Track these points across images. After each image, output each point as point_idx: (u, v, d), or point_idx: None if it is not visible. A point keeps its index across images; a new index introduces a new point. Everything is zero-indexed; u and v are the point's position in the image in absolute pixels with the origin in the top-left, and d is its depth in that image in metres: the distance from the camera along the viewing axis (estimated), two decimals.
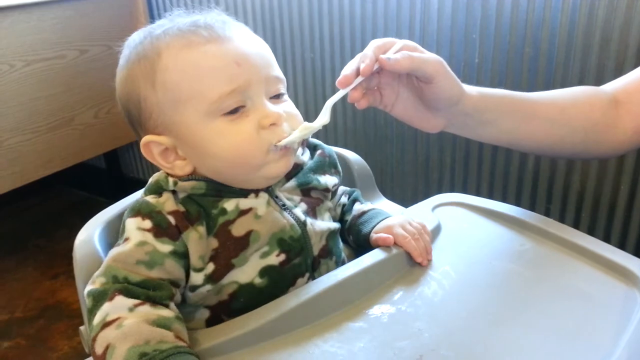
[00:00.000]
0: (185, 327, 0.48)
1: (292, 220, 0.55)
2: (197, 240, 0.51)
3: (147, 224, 0.51)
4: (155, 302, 0.48)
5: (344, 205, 0.66)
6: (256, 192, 0.55)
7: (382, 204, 0.69)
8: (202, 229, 0.51)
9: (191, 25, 0.51)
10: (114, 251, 0.51)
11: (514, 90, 1.15)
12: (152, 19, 1.69)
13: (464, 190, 1.34)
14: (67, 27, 1.47)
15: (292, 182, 0.58)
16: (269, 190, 0.56)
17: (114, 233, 0.60)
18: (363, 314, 0.51)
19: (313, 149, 0.63)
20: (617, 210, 1.16)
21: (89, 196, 1.98)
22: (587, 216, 1.21)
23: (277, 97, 0.54)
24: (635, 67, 0.95)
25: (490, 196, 1.32)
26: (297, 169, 0.59)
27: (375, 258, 0.55)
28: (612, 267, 0.52)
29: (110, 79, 0.57)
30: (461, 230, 0.62)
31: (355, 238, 0.63)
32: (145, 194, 0.55)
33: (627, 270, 0.51)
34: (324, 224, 0.59)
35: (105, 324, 0.46)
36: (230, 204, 0.53)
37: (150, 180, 0.56)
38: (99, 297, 0.48)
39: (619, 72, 1.05)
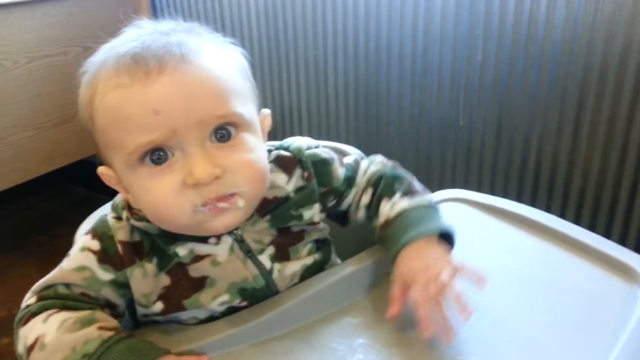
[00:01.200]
0: (105, 312, 0.48)
1: (256, 270, 0.51)
2: (140, 279, 0.49)
3: (96, 245, 0.49)
4: (69, 308, 0.47)
5: (367, 206, 0.57)
6: (218, 236, 0.50)
7: None
8: (150, 266, 0.49)
9: (130, 55, 0.45)
10: (59, 266, 0.50)
11: (517, 88, 1.14)
12: (154, 14, 1.69)
13: (465, 187, 1.34)
14: (71, 24, 1.47)
15: (264, 222, 0.52)
16: (234, 232, 0.51)
17: None
18: (363, 310, 0.51)
19: (303, 166, 0.55)
20: (619, 207, 1.16)
21: (90, 193, 1.98)
22: (587, 213, 1.21)
23: (224, 139, 0.46)
24: None
25: (492, 193, 1.32)
26: (275, 202, 0.53)
27: (375, 254, 0.55)
28: (613, 263, 0.52)
29: None
30: (462, 227, 0.61)
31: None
32: (111, 208, 0.52)
33: (628, 267, 0.51)
34: (298, 263, 0.54)
35: (29, 349, 0.45)
36: (183, 249, 0.49)
37: (117, 197, 0.53)
38: (17, 325, 0.48)
39: (623, 68, 1.04)
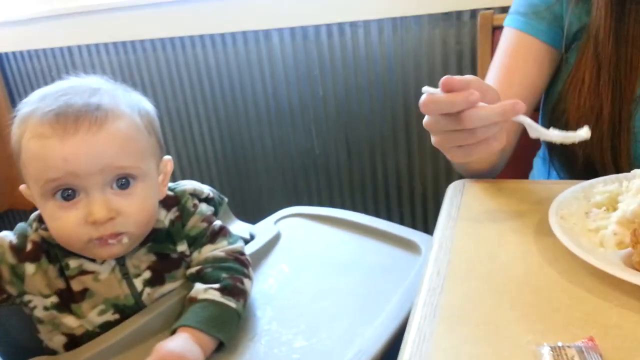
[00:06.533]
0: None
1: (128, 291, 0.60)
2: (37, 275, 0.59)
3: (13, 238, 0.60)
4: None
5: (191, 274, 0.63)
6: None
7: (234, 226, 0.79)
8: (51, 268, 0.59)
9: (54, 112, 0.54)
10: None
11: (355, 114, 1.32)
12: (7, 87, 1.69)
13: (331, 205, 1.49)
14: None
15: (144, 249, 0.62)
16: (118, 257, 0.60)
17: None
18: None
19: (176, 204, 0.65)
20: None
21: None
22: (432, 214, 1.41)
23: (123, 186, 0.56)
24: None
25: (353, 208, 1.48)
26: (154, 232, 0.62)
27: None
28: (403, 241, 0.67)
29: None
30: (297, 235, 0.74)
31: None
32: (28, 222, 0.63)
33: (411, 242, 0.66)
34: (170, 286, 0.62)
35: None
36: (74, 262, 0.59)
37: (32, 215, 0.63)
38: None
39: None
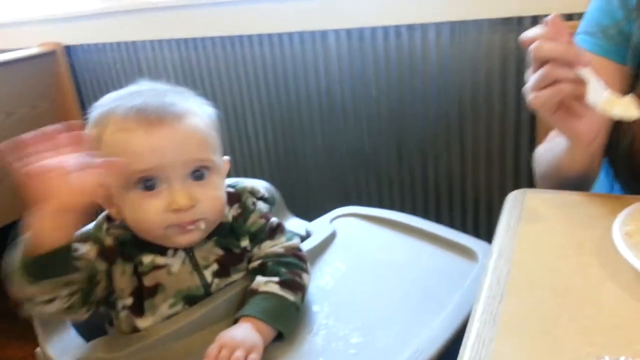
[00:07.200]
0: None
1: (199, 282, 0.64)
2: (120, 275, 0.62)
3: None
4: None
5: (253, 269, 0.66)
6: (175, 249, 0.63)
7: (291, 222, 0.82)
8: (129, 268, 0.62)
9: (135, 108, 0.59)
10: None
11: (409, 116, 1.33)
12: (75, 77, 1.78)
13: (380, 205, 1.50)
14: None
15: (211, 242, 0.65)
16: (188, 248, 0.64)
17: None
18: None
19: (237, 200, 0.68)
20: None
21: None
22: (484, 218, 1.40)
23: (198, 178, 0.61)
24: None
25: (402, 209, 1.49)
26: (220, 226, 0.65)
27: None
28: (458, 247, 0.68)
29: None
30: (352, 235, 0.76)
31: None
32: (95, 228, 0.66)
33: (468, 248, 0.67)
34: (236, 277, 0.66)
35: None
36: (147, 258, 0.63)
37: (97, 220, 0.66)
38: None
39: (489, 91, 1.25)
